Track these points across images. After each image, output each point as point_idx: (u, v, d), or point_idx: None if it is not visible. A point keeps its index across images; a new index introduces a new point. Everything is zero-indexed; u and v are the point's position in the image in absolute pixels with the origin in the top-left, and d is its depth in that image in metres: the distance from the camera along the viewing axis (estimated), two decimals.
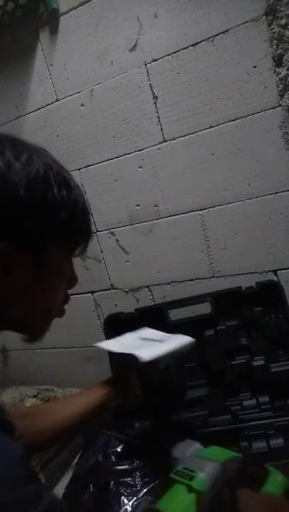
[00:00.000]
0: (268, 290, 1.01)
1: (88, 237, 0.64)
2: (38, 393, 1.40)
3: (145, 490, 0.88)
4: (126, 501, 0.86)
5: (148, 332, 0.95)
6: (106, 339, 1.15)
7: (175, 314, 1.10)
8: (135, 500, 0.86)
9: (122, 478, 0.91)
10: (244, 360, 1.03)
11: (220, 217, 1.12)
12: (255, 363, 1.01)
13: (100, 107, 1.18)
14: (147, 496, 0.86)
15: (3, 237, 0.47)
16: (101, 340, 1.39)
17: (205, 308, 1.07)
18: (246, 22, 0.96)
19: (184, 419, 1.06)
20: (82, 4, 1.12)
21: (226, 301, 1.04)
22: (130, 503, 0.85)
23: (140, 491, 0.87)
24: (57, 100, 1.23)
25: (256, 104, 1.01)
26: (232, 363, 1.04)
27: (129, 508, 0.85)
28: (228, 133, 1.05)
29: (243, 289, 1.03)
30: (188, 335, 1.06)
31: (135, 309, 1.13)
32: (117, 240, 1.28)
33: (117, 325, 1.13)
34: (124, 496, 0.87)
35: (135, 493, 0.87)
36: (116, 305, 1.34)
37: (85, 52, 1.15)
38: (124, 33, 1.09)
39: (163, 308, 1.09)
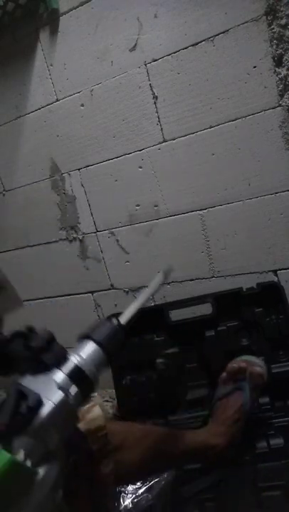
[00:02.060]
0: (269, 291, 1.01)
1: None
2: None
3: (144, 488, 0.88)
4: (126, 499, 0.86)
5: None
6: None
7: (176, 315, 1.10)
8: (134, 498, 0.86)
9: None
10: None
11: (220, 217, 1.12)
12: None
13: (100, 107, 1.18)
14: (147, 493, 0.86)
15: None
16: None
17: (206, 309, 1.07)
18: (246, 22, 0.96)
19: (184, 419, 1.06)
20: (82, 4, 1.12)
21: (227, 302, 1.04)
22: (130, 501, 0.86)
23: (139, 488, 0.88)
24: (57, 100, 1.23)
25: (256, 104, 1.00)
26: None
27: (130, 505, 0.85)
28: (228, 133, 1.05)
29: (244, 289, 1.03)
30: (188, 335, 1.07)
31: None
32: (117, 240, 1.28)
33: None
34: (124, 493, 0.87)
35: (134, 491, 0.87)
36: (116, 305, 1.34)
37: (85, 52, 1.15)
38: (124, 33, 1.09)
39: (164, 309, 1.09)
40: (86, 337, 0.54)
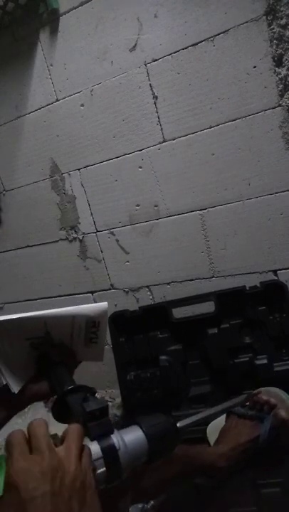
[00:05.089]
0: (272, 290, 1.01)
1: None
2: None
3: None
4: None
5: None
6: (111, 336, 1.16)
7: (179, 313, 1.10)
8: None
9: None
10: (247, 359, 1.04)
11: (220, 217, 1.12)
12: (259, 362, 1.02)
13: (100, 107, 1.18)
14: None
15: None
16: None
17: (207, 309, 1.07)
18: (246, 22, 0.97)
19: (187, 415, 1.07)
20: (82, 4, 1.12)
21: (230, 300, 1.04)
22: None
23: None
24: (57, 100, 1.23)
25: (256, 104, 1.01)
26: (235, 361, 1.05)
27: None
28: (228, 133, 1.05)
29: (247, 288, 1.04)
30: (192, 333, 1.07)
31: (139, 307, 1.14)
32: (117, 240, 1.28)
33: (122, 322, 1.14)
34: None
35: None
36: (116, 305, 1.34)
37: (85, 52, 1.15)
38: (124, 33, 1.09)
39: (167, 307, 1.10)
40: (138, 424, 0.51)
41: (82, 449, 0.41)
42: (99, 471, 0.44)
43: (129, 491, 0.58)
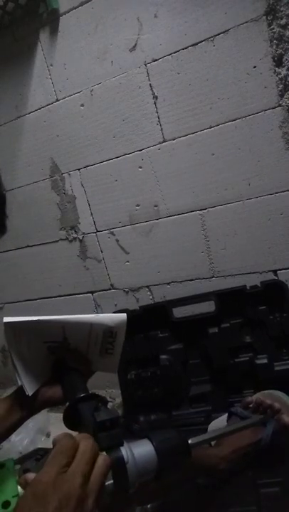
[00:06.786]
0: (273, 289, 1.01)
1: None
2: None
3: None
4: None
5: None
6: None
7: (179, 312, 1.10)
8: None
9: None
10: (248, 358, 1.04)
11: (220, 217, 1.12)
12: (259, 361, 1.02)
13: (100, 107, 1.18)
14: None
15: None
16: None
17: (207, 309, 1.07)
18: (246, 22, 0.97)
19: (187, 414, 1.07)
20: (82, 4, 1.12)
21: (230, 300, 1.04)
22: None
23: None
24: (57, 100, 1.23)
25: (256, 104, 1.01)
26: (236, 360, 1.05)
27: None
28: (228, 133, 1.05)
29: (248, 287, 1.04)
30: (192, 332, 1.07)
31: (140, 306, 1.14)
32: (117, 240, 1.28)
33: None
34: None
35: None
36: (116, 305, 1.34)
37: (85, 52, 1.15)
38: (124, 33, 1.09)
39: (167, 306, 1.10)
40: (148, 438, 0.50)
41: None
42: (106, 483, 0.43)
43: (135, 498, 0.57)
